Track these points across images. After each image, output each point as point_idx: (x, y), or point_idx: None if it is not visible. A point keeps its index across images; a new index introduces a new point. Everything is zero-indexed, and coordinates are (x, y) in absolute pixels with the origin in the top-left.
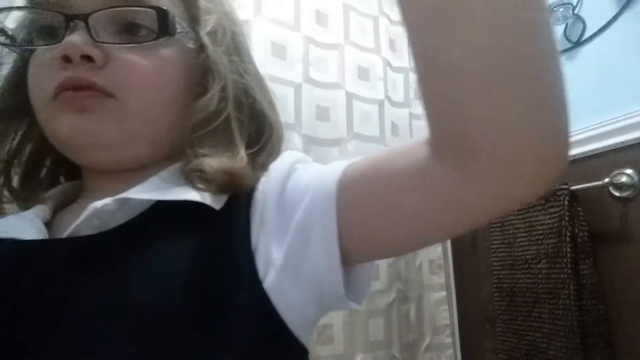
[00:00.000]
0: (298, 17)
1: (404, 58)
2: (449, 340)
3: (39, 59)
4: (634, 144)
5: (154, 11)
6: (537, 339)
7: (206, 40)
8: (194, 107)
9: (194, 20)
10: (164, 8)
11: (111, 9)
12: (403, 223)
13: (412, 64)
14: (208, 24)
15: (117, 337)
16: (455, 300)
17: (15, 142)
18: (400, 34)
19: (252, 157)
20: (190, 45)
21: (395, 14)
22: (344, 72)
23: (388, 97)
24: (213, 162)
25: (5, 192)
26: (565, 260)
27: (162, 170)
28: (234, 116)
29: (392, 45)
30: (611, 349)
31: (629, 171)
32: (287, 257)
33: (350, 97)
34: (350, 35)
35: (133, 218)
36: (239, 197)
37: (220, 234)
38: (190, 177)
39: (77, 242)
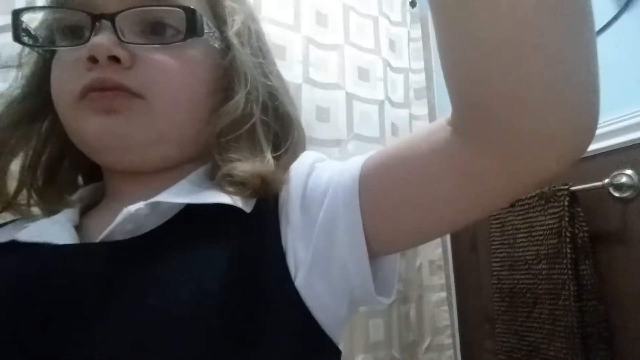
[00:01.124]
0: (298, 18)
1: (404, 59)
2: (449, 340)
3: (63, 59)
4: (634, 145)
5: (182, 11)
6: (537, 340)
7: (234, 40)
8: (222, 111)
9: (220, 20)
10: (192, 7)
11: (138, 9)
12: (434, 208)
13: (438, 36)
14: (235, 24)
15: (157, 341)
16: (455, 301)
17: (38, 145)
18: (400, 34)
19: (277, 159)
20: (217, 45)
21: (395, 14)
22: (344, 73)
23: (388, 98)
24: (243, 166)
25: (33, 195)
26: (565, 261)
27: (190, 174)
28: (260, 119)
29: (392, 45)
30: (611, 350)
31: (629, 172)
32: (314, 256)
33: (350, 97)
34: (350, 36)
35: (166, 222)
36: (266, 199)
37: (251, 236)
38: (221, 182)
39: (112, 247)
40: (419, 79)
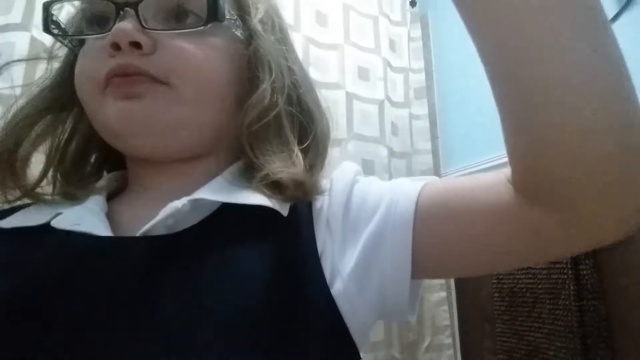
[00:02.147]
0: (298, 17)
1: (404, 58)
2: (449, 340)
3: (88, 48)
4: None
5: None
6: (537, 339)
7: (258, 28)
8: (249, 103)
9: (242, 9)
10: None
11: None
12: (486, 254)
13: (503, 121)
14: (258, 12)
15: (198, 339)
16: (455, 301)
17: (65, 134)
18: (400, 34)
19: (305, 153)
20: (239, 34)
21: (395, 14)
22: (344, 73)
23: (388, 97)
24: (280, 168)
25: (59, 178)
26: (565, 261)
27: (225, 171)
28: (285, 109)
29: (392, 45)
30: (611, 350)
31: None
32: (356, 267)
33: (350, 97)
34: (350, 36)
35: (205, 218)
36: (300, 203)
37: (287, 240)
38: (257, 183)
39: (154, 242)
40: (419, 79)
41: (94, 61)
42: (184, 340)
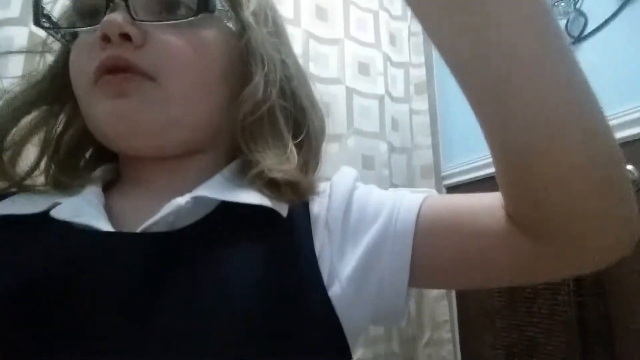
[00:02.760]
0: (298, 12)
1: (404, 53)
2: (448, 335)
3: (80, 42)
4: (634, 140)
5: None
6: (537, 335)
7: (251, 20)
8: (242, 96)
9: (234, 1)
10: None
11: None
12: (480, 273)
13: (496, 163)
14: (251, 4)
15: (196, 340)
16: (454, 296)
17: (59, 127)
18: (400, 28)
19: (298, 147)
20: (231, 26)
21: (395, 8)
22: (344, 67)
23: (388, 93)
24: (274, 166)
25: (52, 167)
26: None
27: (223, 169)
28: (279, 103)
29: (392, 40)
30: (610, 345)
31: (629, 167)
32: (354, 272)
33: (350, 92)
34: (350, 30)
35: (205, 216)
36: (297, 204)
37: (285, 239)
38: (255, 181)
39: (158, 239)
40: (419, 74)
41: (86, 55)
42: (182, 341)
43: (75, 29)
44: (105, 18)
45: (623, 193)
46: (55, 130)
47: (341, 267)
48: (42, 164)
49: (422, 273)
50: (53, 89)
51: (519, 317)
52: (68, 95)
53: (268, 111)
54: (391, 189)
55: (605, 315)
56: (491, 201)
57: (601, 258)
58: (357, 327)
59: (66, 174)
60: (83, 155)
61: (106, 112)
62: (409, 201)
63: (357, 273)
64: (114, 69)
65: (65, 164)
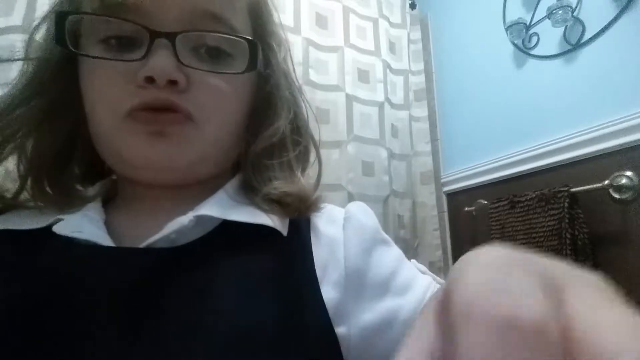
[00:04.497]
0: (298, 20)
1: (404, 60)
2: None
3: (107, 71)
4: (634, 146)
5: (246, 43)
6: None
7: (282, 67)
8: (263, 135)
9: (265, 45)
10: (255, 41)
11: (200, 32)
12: None
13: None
14: (281, 51)
15: (196, 352)
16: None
17: (58, 139)
18: (400, 36)
19: (302, 173)
20: (262, 70)
21: (395, 16)
22: (344, 75)
23: (388, 99)
24: (280, 186)
25: (45, 184)
26: (565, 261)
27: (226, 185)
28: (290, 138)
29: (392, 47)
30: None
31: (628, 173)
32: (367, 329)
33: (350, 99)
34: (350, 38)
35: (207, 234)
36: (298, 224)
37: (286, 258)
38: (257, 198)
39: (161, 255)
40: (418, 81)
41: (120, 88)
42: (178, 358)
43: (111, 59)
44: (155, 61)
45: None
46: (46, 147)
47: (355, 313)
48: (29, 182)
49: None
50: (54, 100)
51: None
52: (69, 110)
53: (281, 145)
54: (404, 258)
55: None
56: None
57: None
58: (357, 357)
59: (60, 191)
60: (72, 171)
61: (144, 150)
62: (415, 289)
63: (369, 332)
64: (159, 109)
65: (57, 180)
